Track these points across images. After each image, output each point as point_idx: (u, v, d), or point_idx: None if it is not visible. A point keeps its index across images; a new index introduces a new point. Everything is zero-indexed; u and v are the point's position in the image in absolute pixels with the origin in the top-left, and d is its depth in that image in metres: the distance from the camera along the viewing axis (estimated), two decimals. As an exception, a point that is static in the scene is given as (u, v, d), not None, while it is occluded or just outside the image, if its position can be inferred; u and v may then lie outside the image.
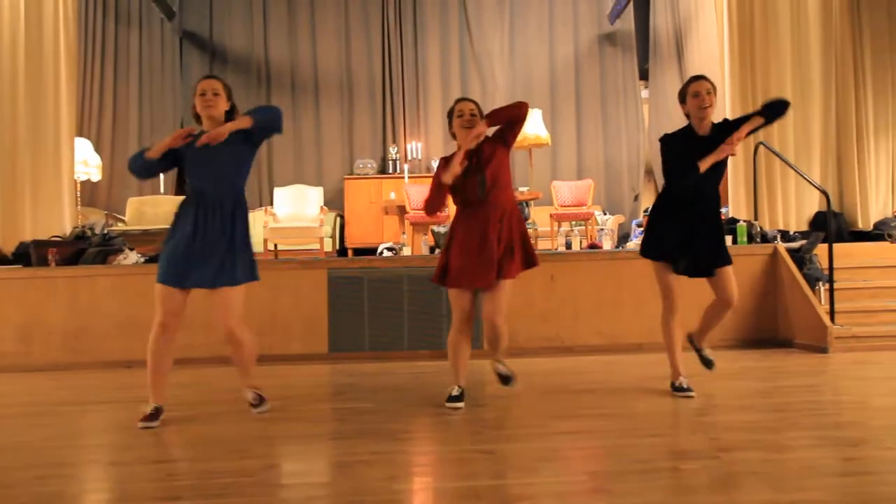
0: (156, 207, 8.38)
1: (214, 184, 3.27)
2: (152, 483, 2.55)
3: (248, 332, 3.41)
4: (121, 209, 9.13)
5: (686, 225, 3.63)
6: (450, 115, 3.60)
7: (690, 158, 3.52)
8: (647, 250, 3.77)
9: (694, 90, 3.61)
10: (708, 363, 3.94)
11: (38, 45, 7.03)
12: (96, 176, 8.85)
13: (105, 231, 6.44)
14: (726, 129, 3.59)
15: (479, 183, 3.41)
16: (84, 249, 5.97)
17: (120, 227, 7.83)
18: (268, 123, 3.31)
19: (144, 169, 3.33)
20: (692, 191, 3.58)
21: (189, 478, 2.59)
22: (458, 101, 3.62)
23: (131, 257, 5.90)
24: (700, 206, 3.64)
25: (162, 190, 10.13)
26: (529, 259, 3.53)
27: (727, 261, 3.67)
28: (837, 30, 7.01)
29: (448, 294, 3.53)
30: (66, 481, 2.57)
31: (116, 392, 4.40)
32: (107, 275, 5.59)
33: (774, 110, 3.57)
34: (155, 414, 3.30)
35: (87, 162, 8.48)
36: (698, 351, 3.98)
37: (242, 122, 3.20)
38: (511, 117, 3.49)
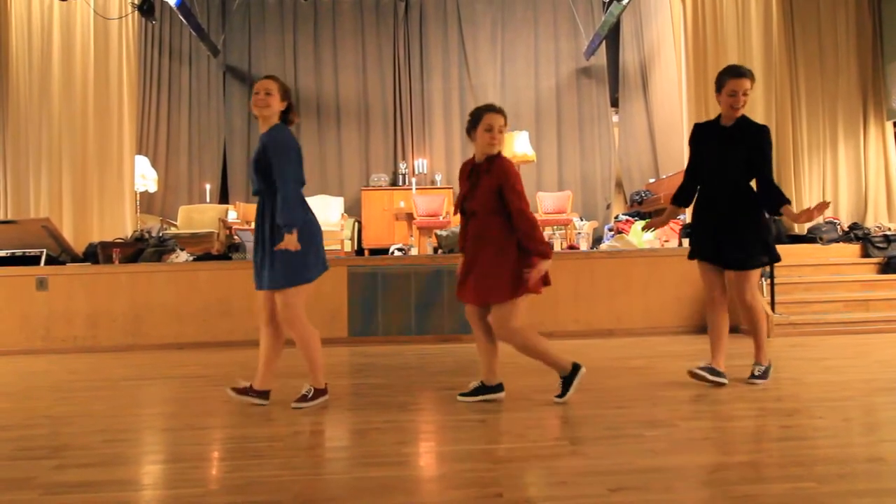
0: (202, 214, 8.38)
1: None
2: (199, 446, 2.55)
3: (299, 331, 3.02)
4: (173, 215, 9.13)
5: (707, 219, 3.27)
6: (474, 118, 3.02)
7: (706, 147, 3.23)
8: (690, 252, 3.40)
9: (731, 88, 3.15)
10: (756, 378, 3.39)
11: (105, 77, 7.04)
12: (153, 187, 8.85)
13: (160, 234, 6.44)
14: (750, 128, 3.19)
15: (463, 201, 3.07)
16: (143, 249, 5.98)
17: (173, 230, 7.83)
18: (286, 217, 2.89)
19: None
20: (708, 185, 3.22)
21: (230, 442, 2.59)
22: (489, 110, 3.01)
23: (182, 256, 5.90)
24: (715, 200, 3.24)
25: (208, 199, 10.12)
26: (481, 293, 2.93)
27: (734, 264, 3.20)
28: (776, 64, 7.00)
29: None
30: (127, 444, 2.58)
31: (169, 370, 4.40)
32: (162, 271, 5.59)
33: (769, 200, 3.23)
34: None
35: (144, 175, 8.48)
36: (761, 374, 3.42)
37: (290, 244, 2.85)
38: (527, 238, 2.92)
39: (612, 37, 10.73)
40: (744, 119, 3.26)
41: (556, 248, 7.27)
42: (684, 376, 3.44)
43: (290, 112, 3.04)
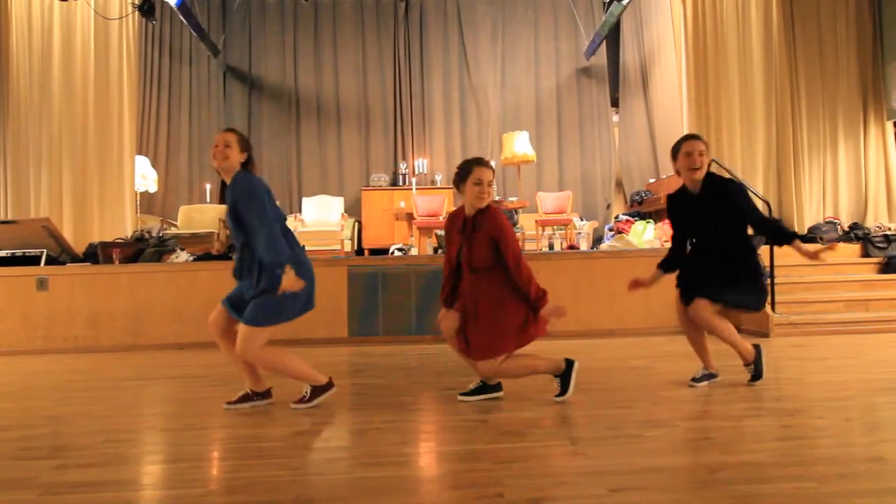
0: (202, 214, 8.38)
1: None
2: (200, 446, 2.55)
3: (261, 362, 3.01)
4: (174, 215, 9.14)
5: (702, 265, 3.27)
6: (463, 171, 3.02)
7: (683, 216, 3.26)
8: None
9: (687, 150, 3.20)
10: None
11: (106, 77, 7.05)
12: (153, 188, 8.86)
13: (160, 234, 6.44)
14: (716, 188, 3.18)
15: (458, 255, 3.05)
16: (143, 249, 5.98)
17: (173, 230, 7.83)
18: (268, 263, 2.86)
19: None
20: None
21: (230, 442, 2.59)
22: (478, 164, 3.01)
23: (182, 256, 5.90)
24: (714, 255, 3.22)
25: (208, 199, 10.13)
26: (477, 345, 2.94)
27: (709, 294, 3.18)
28: (777, 65, 7.00)
29: None
30: (127, 444, 2.58)
31: (170, 370, 4.40)
32: (162, 271, 5.59)
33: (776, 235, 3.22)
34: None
35: (145, 176, 8.49)
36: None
37: (290, 284, 2.86)
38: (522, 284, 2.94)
39: (613, 37, 10.73)
40: (709, 179, 3.22)
41: (557, 248, 7.27)
42: (685, 376, 3.44)
43: (250, 163, 3.02)
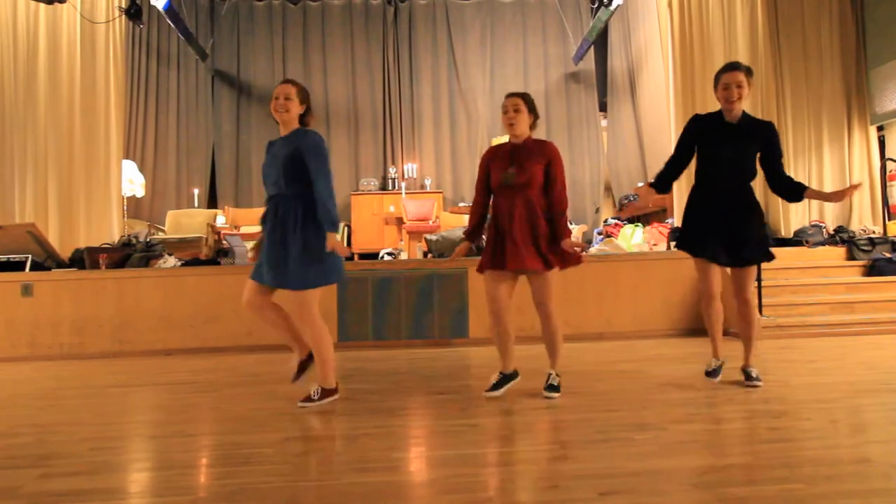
0: (190, 219, 8.34)
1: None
2: (188, 453, 2.53)
3: (315, 330, 3.07)
4: (161, 220, 9.07)
5: (715, 216, 3.21)
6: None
7: (714, 142, 3.17)
8: (680, 244, 3.37)
9: (725, 82, 3.15)
10: (751, 379, 3.36)
11: (92, 81, 7.00)
12: (140, 192, 8.79)
13: (148, 239, 6.40)
14: (758, 125, 3.21)
15: (505, 177, 3.16)
16: (130, 255, 5.93)
17: (160, 235, 7.78)
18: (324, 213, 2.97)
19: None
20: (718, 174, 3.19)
21: (219, 448, 2.57)
22: (509, 95, 3.23)
23: (170, 261, 5.86)
24: (726, 196, 3.20)
25: (196, 204, 10.07)
26: (547, 259, 3.12)
27: (750, 259, 3.19)
28: (762, 70, 7.08)
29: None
30: (114, 452, 2.55)
31: (157, 376, 4.36)
32: (149, 276, 5.55)
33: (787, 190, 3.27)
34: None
35: (132, 180, 8.42)
36: (746, 373, 3.41)
37: (335, 245, 2.95)
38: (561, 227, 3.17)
39: (601, 42, 10.80)
40: (748, 116, 3.24)
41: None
42: (674, 379, 3.46)
43: (308, 115, 3.14)
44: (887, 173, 7.03)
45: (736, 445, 2.37)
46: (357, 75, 11.03)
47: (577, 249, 3.16)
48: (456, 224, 7.70)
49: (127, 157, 8.71)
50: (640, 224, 7.74)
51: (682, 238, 3.38)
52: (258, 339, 5.31)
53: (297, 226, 2.97)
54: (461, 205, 9.88)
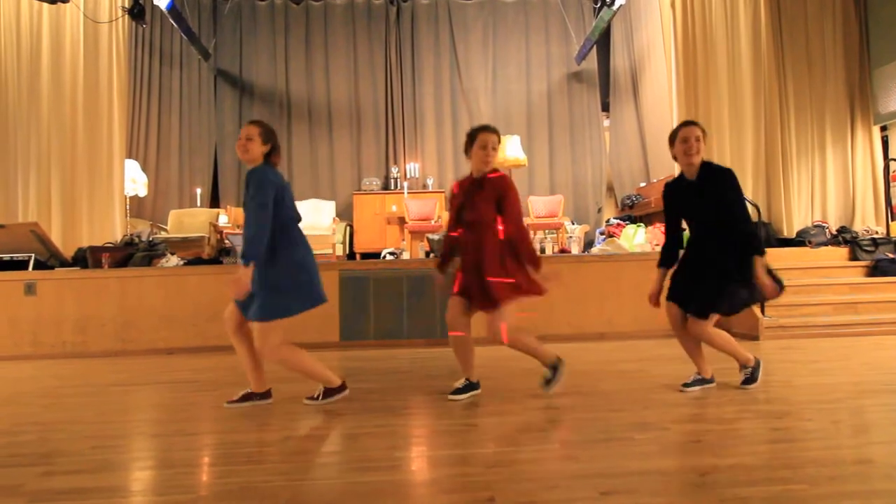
0: (193, 218, 8.34)
1: None
2: (189, 452, 2.53)
3: (278, 358, 3.06)
4: (164, 220, 9.08)
5: (693, 264, 3.28)
6: (470, 137, 3.26)
7: (685, 206, 3.26)
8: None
9: (683, 136, 3.20)
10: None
11: (95, 81, 7.02)
12: (143, 192, 8.81)
13: (150, 238, 6.40)
14: (713, 174, 3.18)
15: (461, 214, 3.21)
16: (132, 254, 5.94)
17: (163, 235, 7.79)
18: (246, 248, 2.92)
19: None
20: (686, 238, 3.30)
21: (220, 447, 2.58)
22: (482, 130, 3.25)
23: (172, 260, 5.87)
24: (706, 248, 3.22)
25: (198, 203, 10.08)
26: (485, 298, 3.09)
27: (696, 312, 3.22)
28: (765, 70, 7.07)
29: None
30: (116, 450, 2.55)
31: (159, 375, 4.37)
32: (152, 275, 5.56)
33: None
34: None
35: (134, 180, 8.44)
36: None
37: (235, 279, 2.86)
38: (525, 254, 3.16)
39: (603, 42, 10.79)
40: (706, 167, 3.22)
41: (548, 251, 7.29)
42: (676, 379, 3.46)
43: (274, 154, 3.10)
44: (890, 173, 7.01)
45: (738, 446, 2.36)
46: (359, 75, 11.04)
47: (548, 284, 3.11)
48: (458, 224, 7.69)
49: (130, 156, 8.72)
50: (642, 224, 7.72)
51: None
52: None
53: (264, 259, 2.93)
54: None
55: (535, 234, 8.37)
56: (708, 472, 2.06)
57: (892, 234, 6.60)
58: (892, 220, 6.95)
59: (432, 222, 8.85)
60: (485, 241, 3.12)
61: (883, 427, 2.65)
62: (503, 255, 3.11)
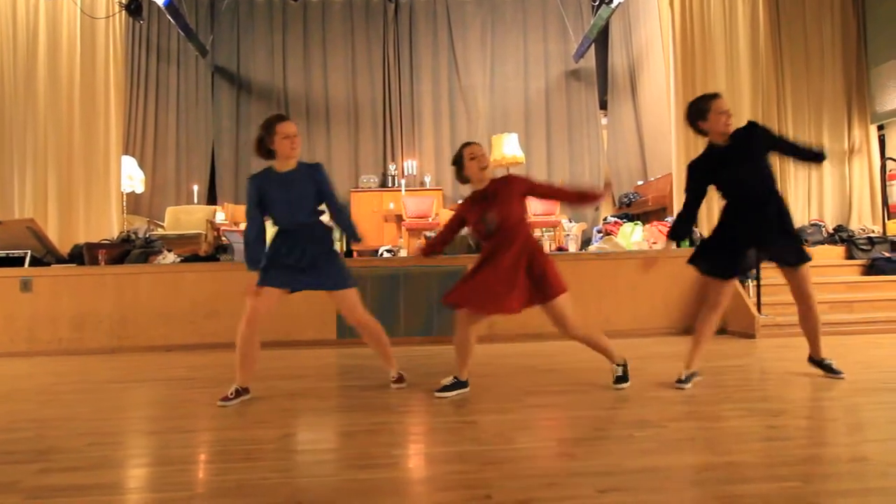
0: (190, 215, 8.32)
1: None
2: (187, 449, 2.53)
3: (374, 324, 3.48)
4: (161, 216, 9.06)
5: (746, 233, 3.30)
6: (459, 160, 3.29)
7: (727, 171, 3.26)
8: (694, 260, 3.45)
9: (720, 107, 3.25)
10: (832, 370, 3.46)
11: (92, 77, 6.99)
12: (140, 188, 8.79)
13: (147, 235, 6.39)
14: (744, 133, 3.27)
15: (484, 222, 3.21)
16: (129, 251, 5.93)
17: (160, 231, 7.77)
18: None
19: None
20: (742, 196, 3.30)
21: (218, 444, 2.58)
22: (465, 146, 3.32)
23: (169, 258, 5.86)
24: (755, 210, 3.28)
25: (195, 200, 10.06)
26: (547, 291, 3.17)
27: (796, 260, 3.33)
28: (763, 69, 7.08)
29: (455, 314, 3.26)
30: (113, 447, 2.55)
31: (156, 372, 4.37)
32: (148, 272, 5.55)
33: (810, 156, 3.35)
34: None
35: (131, 176, 8.41)
36: (820, 364, 3.50)
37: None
38: (577, 201, 3.39)
39: (601, 40, 10.79)
40: (734, 133, 3.30)
41: (545, 249, 7.29)
42: (673, 377, 3.46)
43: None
44: (887, 172, 7.03)
45: (734, 443, 2.37)
46: (357, 72, 11.02)
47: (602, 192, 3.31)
48: (455, 221, 7.68)
49: (126, 153, 8.70)
50: (639, 222, 7.73)
51: (708, 260, 3.41)
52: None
53: (328, 236, 3.52)
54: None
55: (532, 231, 8.38)
56: (704, 470, 2.07)
57: (889, 233, 6.62)
58: (889, 219, 6.97)
59: (429, 220, 8.85)
60: (527, 237, 3.21)
61: (878, 425, 2.66)
62: (539, 248, 3.26)
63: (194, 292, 5.45)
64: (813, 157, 3.35)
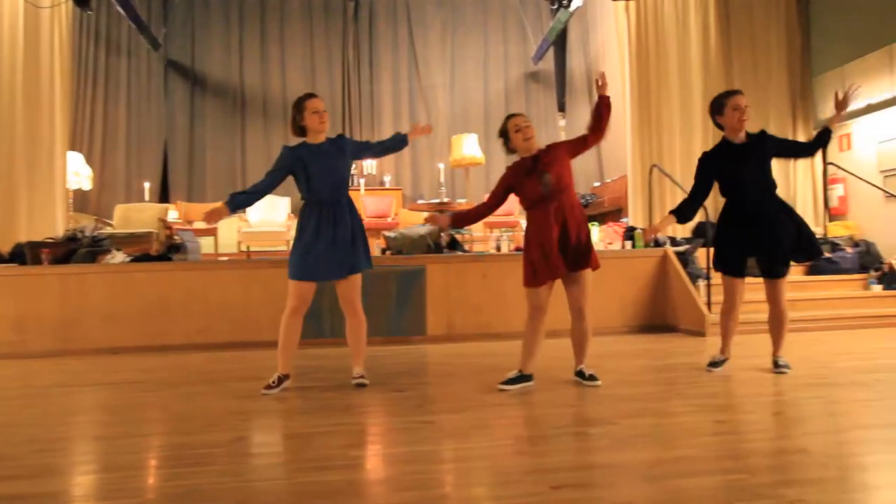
0: (141, 213, 8.07)
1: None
2: (135, 455, 2.46)
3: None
4: (109, 214, 8.76)
5: (746, 231, 3.45)
6: (504, 132, 3.40)
7: (734, 168, 3.40)
8: (715, 265, 3.67)
9: (735, 103, 3.39)
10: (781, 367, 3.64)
11: (36, 68, 6.72)
12: (87, 185, 8.49)
13: (94, 234, 6.16)
14: (759, 136, 3.44)
15: (542, 184, 3.27)
16: (75, 250, 5.70)
17: (108, 230, 7.51)
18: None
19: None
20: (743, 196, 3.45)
21: (167, 449, 2.51)
22: (511, 116, 3.42)
23: (118, 257, 5.67)
24: (754, 207, 3.44)
25: (147, 198, 9.77)
26: (586, 260, 3.34)
27: (783, 272, 3.50)
28: (714, 71, 7.31)
29: (526, 291, 3.40)
30: (58, 454, 2.46)
31: (102, 376, 4.22)
32: (95, 272, 5.36)
33: (820, 142, 3.49)
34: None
35: (78, 172, 8.12)
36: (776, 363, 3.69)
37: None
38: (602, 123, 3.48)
39: (560, 43, 10.95)
40: (753, 134, 3.48)
41: (504, 249, 7.35)
42: (626, 375, 3.54)
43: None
44: (828, 177, 7.36)
45: (684, 438, 2.44)
46: (316, 70, 10.90)
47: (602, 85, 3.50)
48: (415, 221, 7.69)
49: (73, 148, 8.38)
50: (595, 223, 7.88)
51: (720, 261, 3.63)
52: (210, 336, 5.20)
53: (356, 215, 3.56)
54: (420, 202, 9.88)
55: (491, 231, 8.43)
56: (655, 465, 2.13)
57: (829, 235, 6.93)
58: (830, 222, 7.29)
59: (388, 220, 8.82)
60: (576, 204, 3.31)
61: (819, 418, 2.78)
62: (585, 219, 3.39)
63: (145, 293, 5.29)
64: (822, 141, 3.48)
